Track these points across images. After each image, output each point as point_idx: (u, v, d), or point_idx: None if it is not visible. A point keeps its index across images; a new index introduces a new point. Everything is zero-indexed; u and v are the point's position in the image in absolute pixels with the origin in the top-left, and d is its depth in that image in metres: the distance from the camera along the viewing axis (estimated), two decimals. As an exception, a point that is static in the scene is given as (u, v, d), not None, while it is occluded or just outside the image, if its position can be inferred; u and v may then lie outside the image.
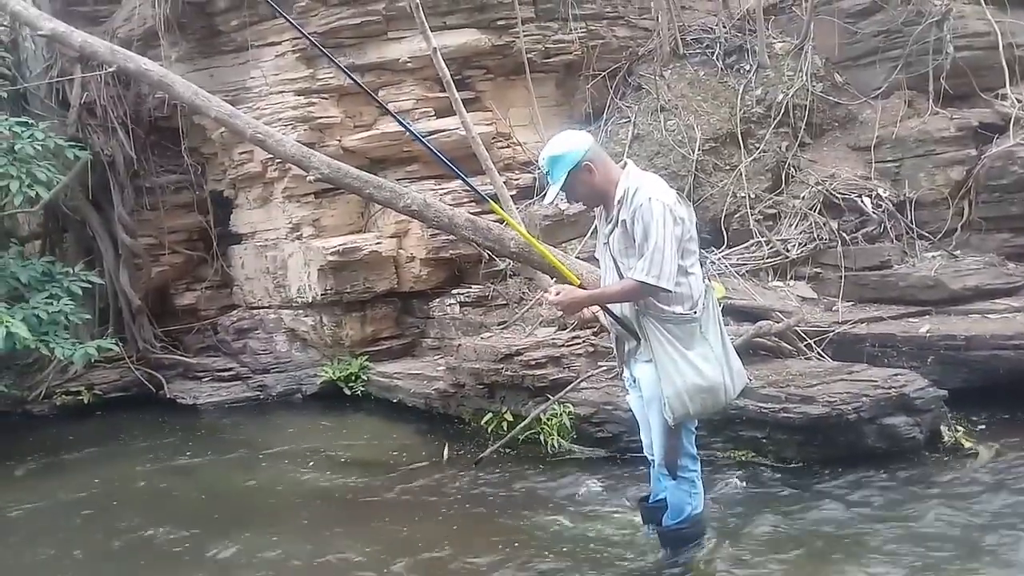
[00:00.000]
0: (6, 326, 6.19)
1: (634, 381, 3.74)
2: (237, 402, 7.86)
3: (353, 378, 7.51)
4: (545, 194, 3.81)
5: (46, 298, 6.92)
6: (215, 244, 8.60)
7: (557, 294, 3.64)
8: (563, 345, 5.96)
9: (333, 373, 7.57)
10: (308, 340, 8.07)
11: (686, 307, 3.52)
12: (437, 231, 7.05)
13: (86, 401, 7.87)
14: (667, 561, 3.81)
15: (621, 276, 3.57)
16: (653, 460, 3.80)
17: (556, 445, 5.48)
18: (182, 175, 8.53)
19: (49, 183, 7.07)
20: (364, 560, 4.20)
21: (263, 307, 8.37)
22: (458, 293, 7.45)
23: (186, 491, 5.55)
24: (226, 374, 8.13)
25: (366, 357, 7.63)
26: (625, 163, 3.67)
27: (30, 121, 7.27)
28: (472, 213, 6.16)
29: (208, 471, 5.94)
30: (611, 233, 3.60)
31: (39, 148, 7.01)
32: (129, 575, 4.19)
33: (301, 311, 8.00)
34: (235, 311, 8.60)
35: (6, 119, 7.12)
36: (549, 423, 5.52)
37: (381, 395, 7.31)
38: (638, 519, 4.10)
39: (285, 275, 8.03)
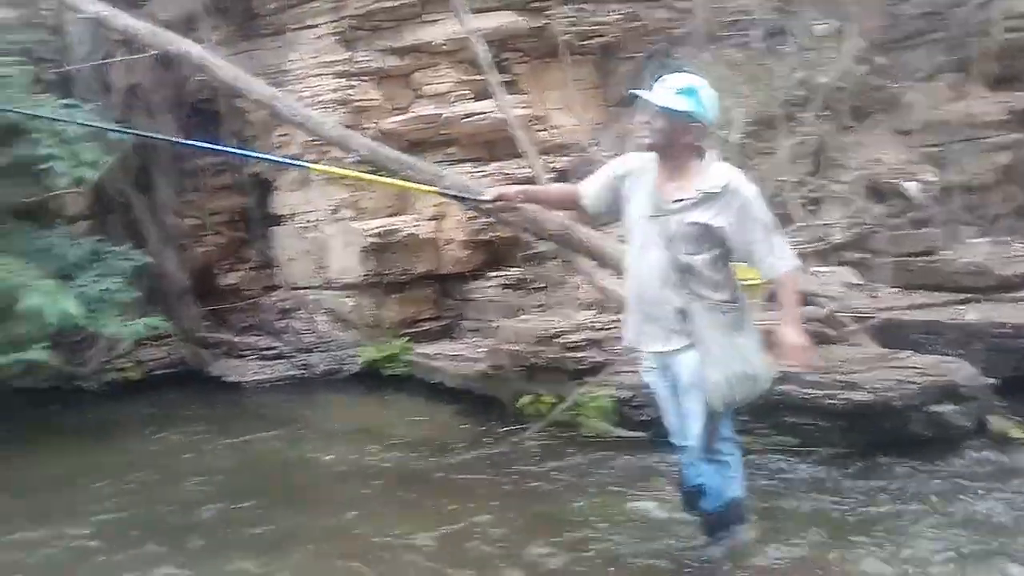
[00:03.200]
0: (59, 303, 6.30)
1: (665, 368, 3.65)
2: (281, 380, 7.93)
3: (394, 359, 7.57)
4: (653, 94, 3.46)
5: (94, 277, 7.05)
6: (256, 225, 8.69)
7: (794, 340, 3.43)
8: (602, 328, 5.96)
9: (374, 354, 7.64)
10: (349, 321, 8.16)
11: (733, 294, 3.54)
12: (475, 213, 7.09)
13: (134, 378, 7.98)
14: (708, 545, 3.81)
15: (673, 257, 3.46)
16: (684, 445, 3.74)
17: (596, 427, 5.51)
18: (223, 157, 8.63)
19: (95, 164, 7.18)
20: (403, 536, 4.21)
21: (304, 288, 8.47)
22: (496, 275, 7.49)
23: (233, 467, 5.61)
24: (269, 353, 8.21)
25: (406, 338, 7.69)
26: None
27: (76, 103, 7.37)
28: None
29: (254, 447, 6.02)
30: (680, 211, 3.45)
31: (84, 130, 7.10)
32: (176, 549, 4.23)
33: (341, 292, 8.08)
34: (277, 291, 8.67)
35: (53, 101, 7.22)
36: (589, 405, 5.56)
37: (421, 376, 7.37)
38: (679, 503, 4.13)
39: (325, 257, 8.12)
